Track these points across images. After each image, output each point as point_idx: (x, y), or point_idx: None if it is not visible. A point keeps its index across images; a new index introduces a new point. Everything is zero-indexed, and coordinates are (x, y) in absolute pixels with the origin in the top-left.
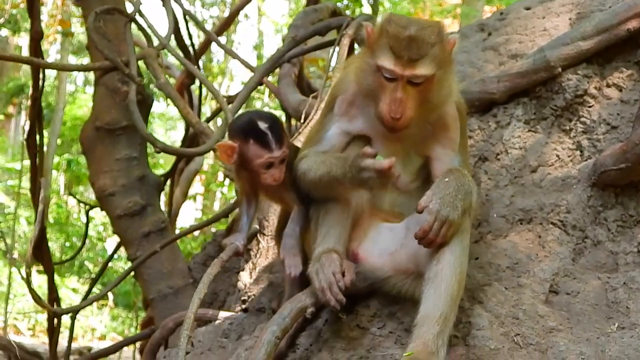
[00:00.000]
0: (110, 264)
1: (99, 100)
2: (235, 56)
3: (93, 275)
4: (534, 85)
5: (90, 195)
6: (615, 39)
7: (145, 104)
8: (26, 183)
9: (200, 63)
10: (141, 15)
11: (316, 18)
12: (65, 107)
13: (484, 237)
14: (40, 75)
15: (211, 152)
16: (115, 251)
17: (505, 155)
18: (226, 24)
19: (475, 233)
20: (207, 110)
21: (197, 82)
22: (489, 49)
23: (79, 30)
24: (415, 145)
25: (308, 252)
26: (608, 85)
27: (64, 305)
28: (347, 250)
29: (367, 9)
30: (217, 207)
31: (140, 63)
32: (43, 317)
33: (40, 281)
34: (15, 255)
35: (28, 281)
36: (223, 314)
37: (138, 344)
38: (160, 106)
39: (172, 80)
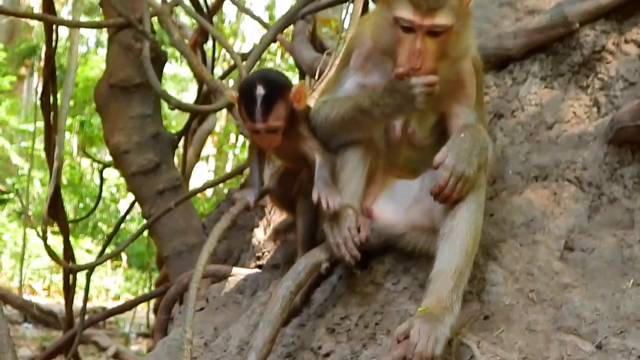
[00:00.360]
0: (123, 225)
1: (113, 57)
2: (248, 12)
3: (107, 236)
4: (551, 41)
5: (104, 157)
6: None
7: (158, 61)
8: (40, 145)
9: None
10: None
11: None
12: (77, 69)
13: (499, 193)
14: (54, 36)
15: (224, 112)
16: (129, 210)
17: (521, 112)
18: None
19: (490, 190)
20: (219, 71)
21: (210, 43)
22: (505, 5)
23: None
24: (431, 101)
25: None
26: (626, 42)
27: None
28: (361, 207)
29: None
30: (229, 168)
31: (154, 21)
32: (58, 277)
33: (55, 242)
34: (30, 215)
35: (44, 237)
36: (237, 270)
37: (152, 304)
38: (173, 67)
39: (185, 41)
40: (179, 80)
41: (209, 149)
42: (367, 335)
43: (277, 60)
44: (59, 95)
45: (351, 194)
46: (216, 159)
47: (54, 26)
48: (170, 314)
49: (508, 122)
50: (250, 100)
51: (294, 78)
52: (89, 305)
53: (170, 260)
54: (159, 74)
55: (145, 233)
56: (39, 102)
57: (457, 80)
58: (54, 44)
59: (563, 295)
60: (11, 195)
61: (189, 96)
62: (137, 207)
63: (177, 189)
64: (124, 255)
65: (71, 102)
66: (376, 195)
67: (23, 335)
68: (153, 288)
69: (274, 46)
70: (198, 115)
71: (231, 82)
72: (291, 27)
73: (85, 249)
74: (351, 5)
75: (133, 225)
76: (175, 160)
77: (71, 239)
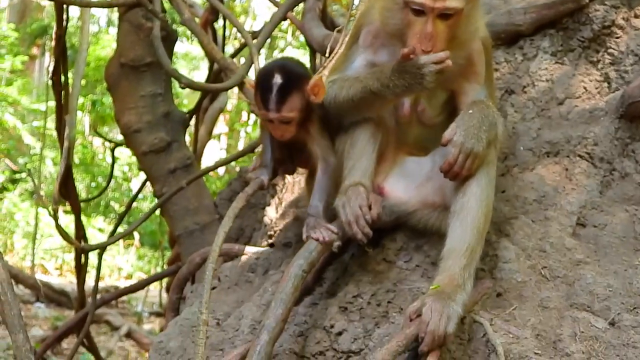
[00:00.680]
0: (135, 204)
1: (123, 36)
2: None
3: (119, 215)
4: (561, 16)
5: (115, 136)
6: None
7: (169, 40)
8: (51, 124)
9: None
10: None
11: None
12: (88, 48)
13: (511, 170)
14: (64, 15)
15: (235, 90)
16: (140, 189)
17: (532, 88)
18: None
19: (501, 166)
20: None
21: (221, 22)
22: None
23: None
24: (441, 80)
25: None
26: (636, 16)
27: (90, 244)
28: (373, 184)
29: None
30: (241, 146)
31: (164, 0)
32: (70, 256)
33: (66, 222)
34: (42, 195)
35: (55, 217)
36: (249, 249)
37: (164, 283)
38: (184, 46)
39: (195, 20)
40: (190, 59)
41: (221, 127)
42: (380, 314)
43: (289, 38)
44: (70, 75)
45: (362, 171)
46: (228, 137)
47: (65, 6)
48: (182, 294)
49: (519, 98)
50: (266, 88)
51: (304, 56)
52: (101, 284)
53: (182, 240)
54: (170, 52)
55: (157, 212)
56: (50, 82)
57: (466, 60)
58: (64, 23)
59: (575, 271)
60: (23, 175)
61: (201, 74)
62: (149, 186)
63: (189, 167)
64: (136, 234)
65: (83, 81)
66: (387, 172)
67: (35, 314)
68: (165, 266)
69: (284, 24)
70: (209, 93)
71: (242, 60)
72: (302, 4)
73: (97, 228)
74: None
75: (145, 204)
76: (187, 138)
77: (83, 218)
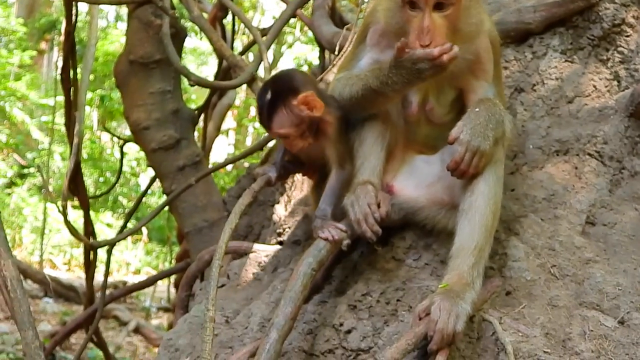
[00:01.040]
0: (144, 199)
1: (133, 33)
2: None
3: (127, 210)
4: (571, 14)
5: (124, 131)
6: None
7: (178, 37)
8: (60, 119)
9: None
10: None
11: None
12: (97, 43)
13: (520, 168)
14: (73, 10)
15: (244, 86)
16: (149, 185)
17: (542, 86)
18: None
19: (511, 164)
20: (239, 46)
21: (229, 18)
22: None
23: None
24: (448, 77)
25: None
26: None
27: (99, 240)
28: (382, 183)
29: None
30: (249, 142)
31: None
32: (78, 251)
33: (75, 217)
34: (50, 189)
35: (64, 213)
36: (258, 247)
37: (173, 279)
38: (192, 41)
39: (204, 16)
40: (198, 54)
41: (229, 122)
42: (389, 312)
43: (297, 33)
44: (79, 70)
45: (371, 169)
46: (236, 132)
47: (74, 1)
48: (191, 291)
49: (528, 97)
50: (259, 105)
51: (313, 52)
52: (109, 279)
53: (191, 236)
54: (179, 50)
55: (166, 208)
56: (59, 77)
57: (474, 57)
58: (73, 18)
59: (585, 270)
60: (31, 170)
61: (209, 70)
62: (158, 181)
63: (198, 164)
64: (144, 230)
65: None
66: (396, 171)
67: (44, 309)
68: (174, 262)
69: (293, 20)
70: (218, 90)
71: (251, 57)
72: (311, 1)
73: (105, 223)
74: None
75: (153, 199)
76: (196, 134)
77: (92, 213)
